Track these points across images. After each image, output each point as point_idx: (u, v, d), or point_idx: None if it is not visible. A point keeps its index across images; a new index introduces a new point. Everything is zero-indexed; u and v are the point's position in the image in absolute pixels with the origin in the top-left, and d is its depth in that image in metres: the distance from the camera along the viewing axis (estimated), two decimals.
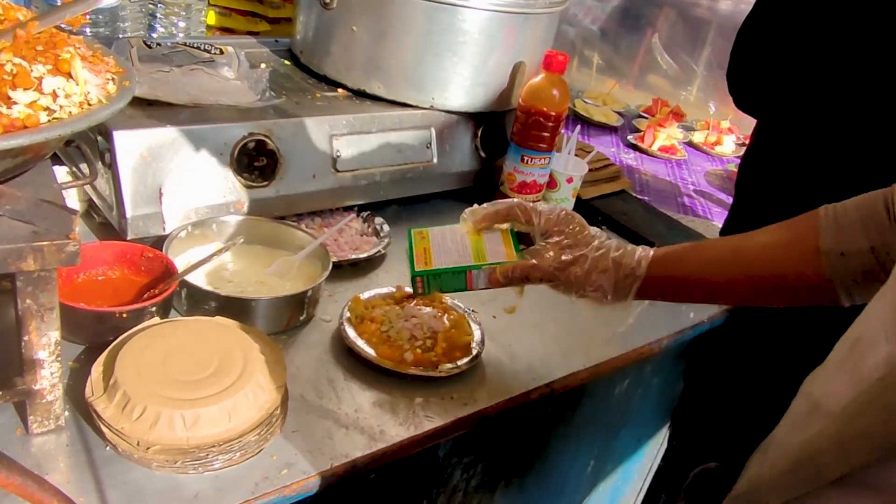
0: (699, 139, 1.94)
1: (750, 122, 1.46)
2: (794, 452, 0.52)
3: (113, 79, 0.69)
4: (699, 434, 1.28)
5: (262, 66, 1.13)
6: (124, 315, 0.79)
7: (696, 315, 1.13)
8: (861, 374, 0.49)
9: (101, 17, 1.24)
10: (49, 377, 0.68)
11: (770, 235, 0.72)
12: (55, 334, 0.67)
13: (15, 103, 0.58)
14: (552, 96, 1.16)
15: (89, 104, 0.63)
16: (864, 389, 0.47)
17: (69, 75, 0.63)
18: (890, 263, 0.63)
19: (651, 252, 0.76)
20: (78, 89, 0.62)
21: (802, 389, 0.58)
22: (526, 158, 1.20)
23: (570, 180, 1.29)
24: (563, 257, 0.76)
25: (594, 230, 0.79)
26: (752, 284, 0.72)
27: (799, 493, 0.50)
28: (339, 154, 1.08)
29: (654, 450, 1.34)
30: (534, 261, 0.77)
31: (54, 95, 0.60)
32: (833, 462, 0.48)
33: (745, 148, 1.89)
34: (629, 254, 0.75)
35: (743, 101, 1.14)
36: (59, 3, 1.04)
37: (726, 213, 1.42)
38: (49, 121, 0.59)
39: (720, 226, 1.37)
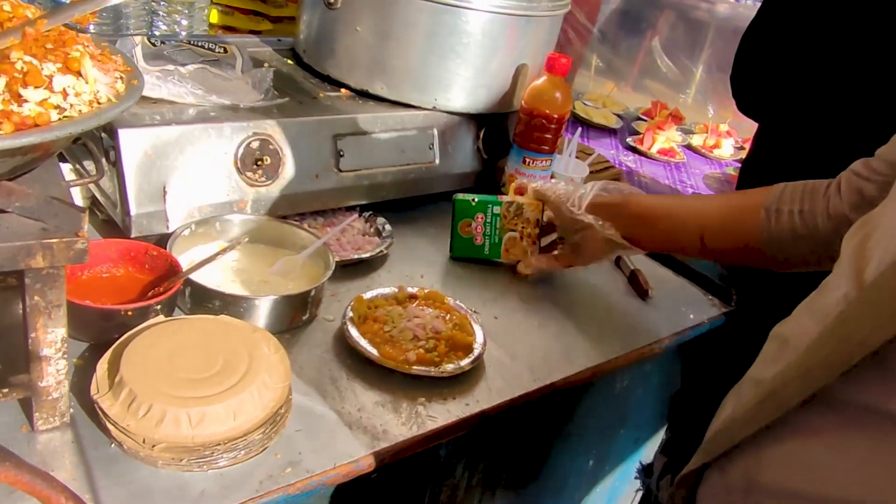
0: (698, 142, 1.95)
1: (748, 126, 1.46)
2: (764, 387, 0.56)
3: (121, 77, 0.69)
4: (696, 435, 1.29)
5: (266, 65, 1.14)
6: (129, 313, 0.79)
7: (696, 316, 1.14)
8: (825, 312, 0.53)
9: (104, 14, 1.24)
10: (55, 374, 0.68)
11: (726, 199, 0.91)
12: (62, 331, 0.67)
13: (26, 101, 0.58)
14: (555, 99, 1.16)
15: (99, 103, 0.63)
16: (826, 325, 0.51)
17: (79, 74, 0.63)
18: (812, 229, 0.78)
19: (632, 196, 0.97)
20: (88, 88, 0.62)
21: (773, 334, 0.63)
22: (528, 160, 1.20)
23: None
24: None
25: None
26: (704, 242, 0.88)
27: (767, 421, 0.54)
28: (341, 154, 1.08)
29: (653, 452, 1.35)
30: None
31: (64, 94, 0.60)
32: (796, 390, 0.52)
33: (743, 151, 1.90)
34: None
35: (746, 104, 1.15)
36: (66, 1, 1.04)
37: None
38: (60, 119, 0.59)
39: None
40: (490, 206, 1.10)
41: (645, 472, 0.94)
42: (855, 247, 0.54)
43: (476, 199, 1.10)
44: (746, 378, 0.64)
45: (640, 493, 1.24)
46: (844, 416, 0.50)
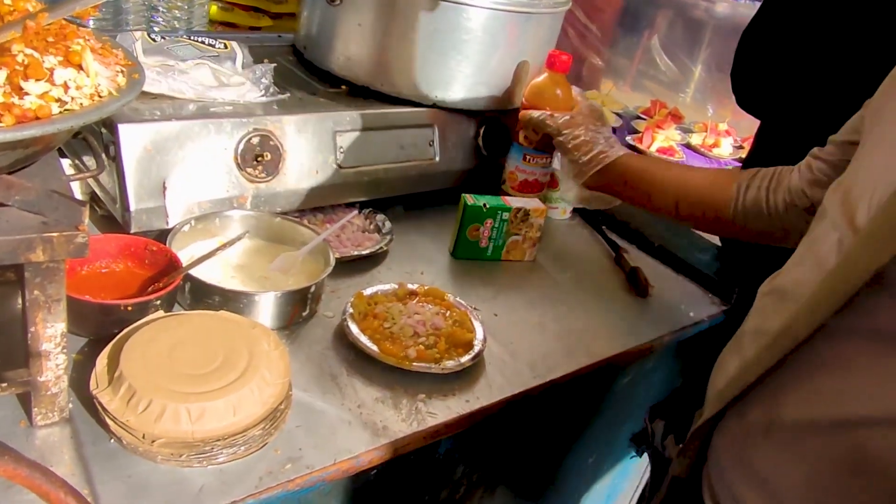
0: (697, 141, 1.95)
1: (747, 125, 1.46)
2: (772, 335, 0.61)
3: (122, 71, 0.69)
4: (695, 396, 1.28)
5: (266, 61, 1.13)
6: (129, 308, 0.79)
7: (696, 314, 1.14)
8: (819, 260, 0.60)
9: (103, 9, 1.24)
10: (54, 369, 0.68)
11: (705, 173, 1.01)
12: (61, 326, 0.67)
13: (27, 94, 0.57)
14: (556, 96, 1.16)
15: (100, 96, 0.63)
16: (829, 269, 0.57)
17: (80, 67, 0.63)
18: (774, 204, 0.90)
19: (626, 153, 1.05)
20: (89, 81, 0.62)
21: (765, 290, 0.70)
22: (528, 157, 1.20)
23: None
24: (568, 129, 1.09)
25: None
26: (678, 209, 0.99)
27: (776, 360, 0.60)
28: (342, 150, 1.08)
29: None
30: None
31: (66, 87, 0.60)
32: (804, 326, 0.57)
33: (742, 150, 1.90)
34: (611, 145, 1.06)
35: (746, 101, 1.15)
36: None
37: None
38: (61, 112, 0.59)
39: None
40: (500, 211, 1.11)
41: (637, 440, 0.97)
42: (839, 200, 0.60)
43: (487, 205, 1.11)
44: (745, 332, 0.69)
45: (638, 490, 1.24)
46: (855, 343, 0.55)
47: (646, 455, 0.95)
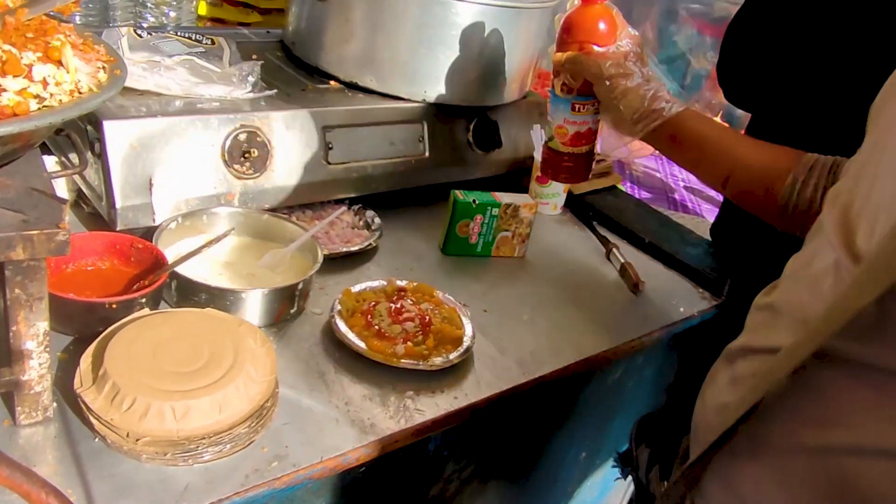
0: None
1: (741, 117, 1.45)
2: (767, 367, 0.59)
3: (104, 67, 0.68)
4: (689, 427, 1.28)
5: (254, 57, 1.13)
6: (114, 306, 0.78)
7: (686, 309, 1.14)
8: (814, 280, 0.58)
9: (90, 5, 1.23)
10: (37, 368, 0.68)
11: (759, 151, 0.88)
12: (44, 324, 0.66)
13: (4, 90, 0.57)
14: (597, 31, 0.92)
15: (80, 92, 0.63)
16: (822, 293, 0.56)
17: (59, 63, 0.62)
18: None
19: (683, 110, 0.90)
20: (68, 77, 0.61)
21: (759, 304, 0.67)
22: (577, 106, 0.98)
23: None
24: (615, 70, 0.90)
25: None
26: (725, 185, 0.89)
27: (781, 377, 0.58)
28: (330, 146, 1.07)
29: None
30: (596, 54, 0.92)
31: (44, 83, 0.60)
32: (800, 355, 0.55)
33: None
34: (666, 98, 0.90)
35: (733, 94, 1.14)
36: None
37: (716, 209, 1.43)
38: (39, 109, 0.59)
39: (711, 221, 1.37)
40: (490, 207, 1.11)
41: (623, 460, 0.94)
42: (837, 218, 0.58)
43: (477, 202, 1.10)
44: (737, 349, 0.67)
45: (630, 486, 1.24)
46: (844, 371, 0.54)
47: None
